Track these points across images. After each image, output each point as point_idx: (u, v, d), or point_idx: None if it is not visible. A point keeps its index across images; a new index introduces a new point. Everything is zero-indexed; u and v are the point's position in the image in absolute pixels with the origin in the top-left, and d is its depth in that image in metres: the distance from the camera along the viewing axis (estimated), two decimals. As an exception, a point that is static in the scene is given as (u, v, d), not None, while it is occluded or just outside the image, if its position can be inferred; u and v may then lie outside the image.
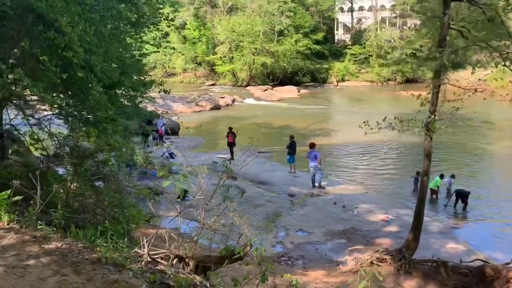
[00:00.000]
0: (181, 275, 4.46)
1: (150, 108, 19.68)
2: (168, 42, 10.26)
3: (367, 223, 13.02)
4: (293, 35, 53.68)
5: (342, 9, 63.81)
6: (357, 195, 15.63)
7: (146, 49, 11.56)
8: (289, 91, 48.16)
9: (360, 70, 55.53)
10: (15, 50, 5.98)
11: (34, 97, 7.88)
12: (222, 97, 41.45)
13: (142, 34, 10.82)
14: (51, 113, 8.35)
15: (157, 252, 5.08)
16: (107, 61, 7.94)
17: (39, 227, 4.28)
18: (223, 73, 56.27)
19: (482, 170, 20.07)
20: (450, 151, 22.53)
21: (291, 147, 18.55)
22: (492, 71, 10.92)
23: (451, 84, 9.21)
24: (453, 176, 15.99)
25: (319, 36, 56.93)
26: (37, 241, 3.92)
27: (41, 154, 7.66)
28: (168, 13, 9.66)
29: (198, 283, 4.54)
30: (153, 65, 59.66)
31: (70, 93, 7.23)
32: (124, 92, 11.55)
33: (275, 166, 20.27)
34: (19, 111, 7.93)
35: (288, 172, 18.75)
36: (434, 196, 15.63)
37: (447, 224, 13.61)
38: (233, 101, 41.46)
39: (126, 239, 4.96)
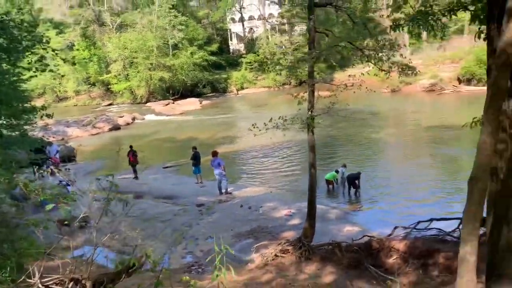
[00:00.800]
0: (75, 296, 4.46)
1: (40, 135, 18.55)
2: (47, 65, 9.77)
3: (272, 220, 13.67)
4: (188, 48, 53.77)
5: (233, 20, 65.43)
6: (261, 196, 16.31)
7: (23, 74, 10.99)
8: (191, 103, 48.16)
9: (257, 77, 57.37)
10: None
11: None
12: (121, 116, 40.14)
13: (18, 59, 10.27)
14: None
15: (51, 278, 4.99)
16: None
17: None
18: (119, 91, 54.35)
19: (371, 157, 22.02)
20: (343, 144, 24.43)
21: (195, 158, 18.77)
22: (373, 67, 12.13)
23: (325, 83, 10.15)
24: (344, 166, 17.39)
25: (214, 47, 57.76)
26: None
27: None
28: (42, 35, 9.31)
29: (94, 300, 4.57)
30: (41, 91, 55.85)
31: None
32: (4, 122, 10.86)
33: (182, 179, 20.31)
34: None
35: (195, 183, 18.91)
36: (330, 186, 16.88)
37: (344, 211, 14.83)
38: (133, 119, 40.38)
39: (9, 271, 4.78)
